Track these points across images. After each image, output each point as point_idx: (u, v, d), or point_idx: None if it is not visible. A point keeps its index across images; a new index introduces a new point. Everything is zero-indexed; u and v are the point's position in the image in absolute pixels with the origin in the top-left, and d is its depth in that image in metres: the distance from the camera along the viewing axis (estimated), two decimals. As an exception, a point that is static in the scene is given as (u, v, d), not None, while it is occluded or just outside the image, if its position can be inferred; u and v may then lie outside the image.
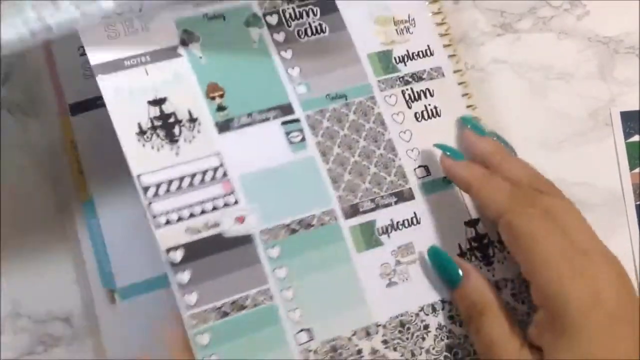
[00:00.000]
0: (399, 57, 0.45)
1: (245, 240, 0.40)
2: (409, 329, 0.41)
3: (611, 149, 0.49)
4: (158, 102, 0.41)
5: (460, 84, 0.46)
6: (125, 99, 0.40)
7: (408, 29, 0.46)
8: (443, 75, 0.46)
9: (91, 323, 0.44)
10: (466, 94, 0.46)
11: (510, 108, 0.49)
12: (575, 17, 0.50)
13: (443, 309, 0.42)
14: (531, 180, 0.40)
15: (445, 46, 0.46)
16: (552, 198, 0.38)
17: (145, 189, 0.39)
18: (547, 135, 0.49)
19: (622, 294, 0.35)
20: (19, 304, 0.45)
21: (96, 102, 0.45)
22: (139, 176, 0.39)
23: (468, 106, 0.46)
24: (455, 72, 0.46)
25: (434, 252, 0.42)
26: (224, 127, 0.41)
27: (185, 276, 0.39)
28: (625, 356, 0.34)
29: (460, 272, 0.40)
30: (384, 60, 0.45)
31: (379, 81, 0.44)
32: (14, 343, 0.44)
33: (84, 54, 0.42)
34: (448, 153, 0.42)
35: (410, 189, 0.43)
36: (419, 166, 0.44)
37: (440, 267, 0.41)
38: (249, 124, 0.42)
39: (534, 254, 0.36)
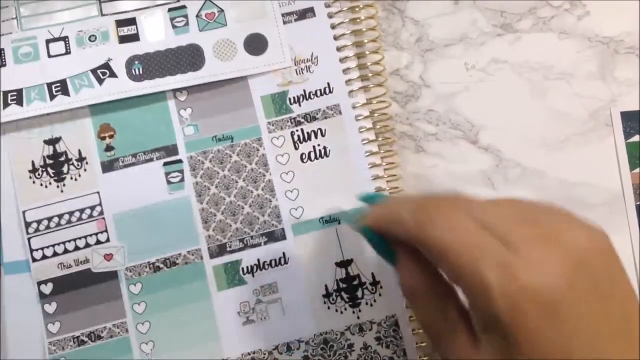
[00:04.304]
0: (294, 98, 0.46)
1: (111, 276, 0.44)
2: None
3: (611, 149, 0.49)
4: (53, 141, 0.44)
5: (362, 118, 0.46)
6: (24, 138, 0.44)
7: (309, 68, 0.46)
8: (340, 112, 0.46)
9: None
10: (366, 129, 0.46)
11: (510, 108, 0.49)
12: (575, 17, 0.50)
13: (299, 348, 0.44)
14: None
15: (347, 82, 0.46)
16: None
17: (28, 225, 0.43)
18: (547, 135, 0.49)
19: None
20: None
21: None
22: (24, 212, 0.44)
23: (365, 142, 0.46)
24: (360, 105, 0.46)
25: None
26: (108, 167, 0.44)
27: (51, 307, 0.43)
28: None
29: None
30: (278, 102, 0.46)
31: (268, 123, 0.45)
32: None
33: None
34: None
35: (282, 229, 0.45)
36: (297, 207, 0.45)
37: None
38: (132, 164, 0.44)
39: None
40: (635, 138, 0.49)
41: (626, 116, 0.49)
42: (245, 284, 0.44)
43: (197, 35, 0.45)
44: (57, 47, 0.45)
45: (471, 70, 0.49)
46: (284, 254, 0.44)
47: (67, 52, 0.45)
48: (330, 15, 0.46)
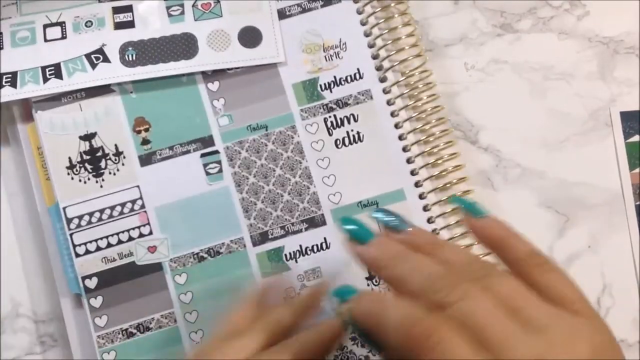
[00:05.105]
0: (325, 85, 0.46)
1: (156, 267, 0.44)
2: None
3: (611, 149, 0.49)
4: (88, 137, 0.45)
5: (391, 103, 0.46)
6: (59, 135, 0.44)
7: (338, 54, 0.47)
8: (371, 97, 0.46)
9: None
10: (396, 114, 0.46)
11: (510, 108, 0.49)
12: (575, 17, 0.50)
13: (345, 330, 0.43)
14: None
15: (377, 68, 0.46)
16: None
17: (69, 220, 0.44)
18: (547, 135, 0.49)
19: None
20: (19, 303, 0.45)
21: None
22: (64, 208, 0.44)
23: (397, 126, 0.46)
24: (388, 90, 0.46)
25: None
26: (146, 160, 0.45)
27: (97, 301, 0.43)
28: None
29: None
30: (309, 89, 0.46)
31: (301, 110, 0.46)
32: (14, 343, 0.45)
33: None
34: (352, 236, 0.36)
35: (322, 215, 0.45)
36: (334, 193, 0.45)
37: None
38: (169, 157, 0.45)
39: None
40: (635, 138, 0.48)
41: (626, 116, 0.49)
42: (289, 270, 0.44)
43: (192, 25, 0.46)
44: (54, 32, 0.45)
45: (471, 70, 0.49)
46: (325, 239, 0.45)
47: (63, 37, 0.45)
48: (355, 0, 0.47)
